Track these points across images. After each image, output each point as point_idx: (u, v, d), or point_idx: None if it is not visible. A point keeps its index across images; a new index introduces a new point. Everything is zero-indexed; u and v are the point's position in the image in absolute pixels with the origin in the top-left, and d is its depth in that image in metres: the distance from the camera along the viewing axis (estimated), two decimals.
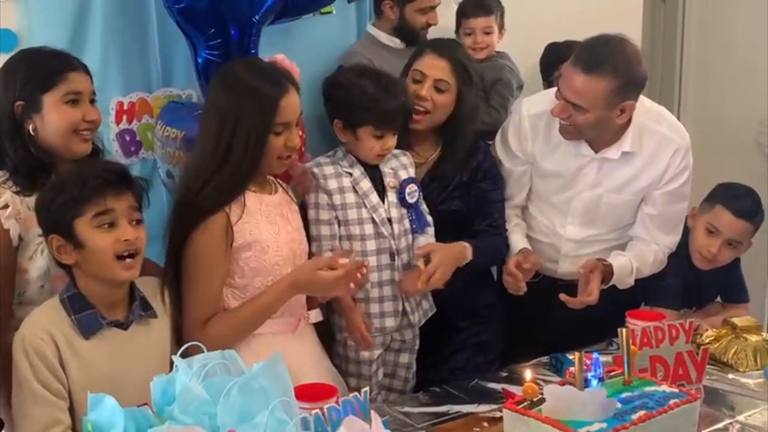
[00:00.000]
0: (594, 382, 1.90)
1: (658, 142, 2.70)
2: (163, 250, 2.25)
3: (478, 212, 2.80)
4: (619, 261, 2.71)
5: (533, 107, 2.80)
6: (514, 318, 2.88)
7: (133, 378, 1.93)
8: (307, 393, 1.73)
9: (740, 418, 2.21)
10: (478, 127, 2.87)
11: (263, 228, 2.29)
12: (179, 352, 1.68)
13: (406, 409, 2.30)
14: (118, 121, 2.98)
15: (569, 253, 2.84)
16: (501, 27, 3.54)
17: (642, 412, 1.81)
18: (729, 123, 4.62)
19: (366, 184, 2.60)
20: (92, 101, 2.25)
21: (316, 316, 2.50)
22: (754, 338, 2.59)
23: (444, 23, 3.39)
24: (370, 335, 2.58)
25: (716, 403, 2.29)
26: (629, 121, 2.65)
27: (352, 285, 2.36)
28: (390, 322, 2.65)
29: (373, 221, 2.59)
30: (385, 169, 2.65)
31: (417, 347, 2.77)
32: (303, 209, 2.57)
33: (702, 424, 1.99)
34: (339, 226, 2.59)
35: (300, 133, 2.45)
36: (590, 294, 2.60)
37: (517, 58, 3.61)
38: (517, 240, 2.81)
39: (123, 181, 1.98)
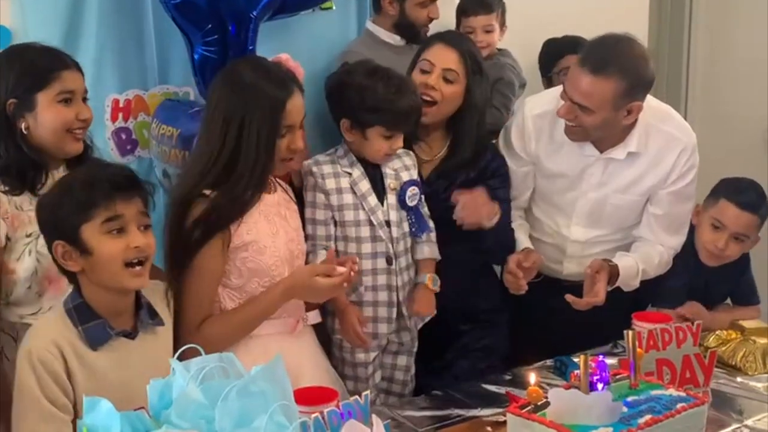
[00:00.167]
0: (599, 386, 1.89)
1: (665, 142, 2.71)
2: (160, 252, 2.23)
3: None
4: (624, 262, 2.72)
5: (537, 107, 2.81)
6: (518, 320, 2.88)
7: (142, 388, 1.90)
8: (307, 397, 1.73)
9: (748, 422, 2.22)
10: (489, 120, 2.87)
11: (261, 228, 2.30)
12: (176, 355, 1.68)
13: (408, 412, 2.30)
14: (113, 119, 2.98)
15: (574, 254, 2.85)
16: (502, 25, 3.53)
17: (649, 417, 1.80)
18: (736, 122, 4.62)
19: (365, 185, 2.60)
20: (84, 99, 2.25)
21: (314, 317, 2.51)
22: (762, 341, 2.60)
23: (444, 21, 3.38)
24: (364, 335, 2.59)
25: (724, 407, 2.29)
26: (635, 121, 2.65)
27: (344, 284, 2.36)
28: (383, 329, 2.66)
29: (370, 224, 2.60)
30: (387, 169, 2.65)
31: (416, 349, 2.78)
32: (301, 206, 2.57)
33: (710, 429, 1.98)
34: (335, 226, 2.60)
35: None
36: (596, 294, 2.60)
37: (519, 55, 3.62)
38: (520, 239, 2.81)
39: (132, 184, 1.95)
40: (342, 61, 2.97)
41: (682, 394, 1.93)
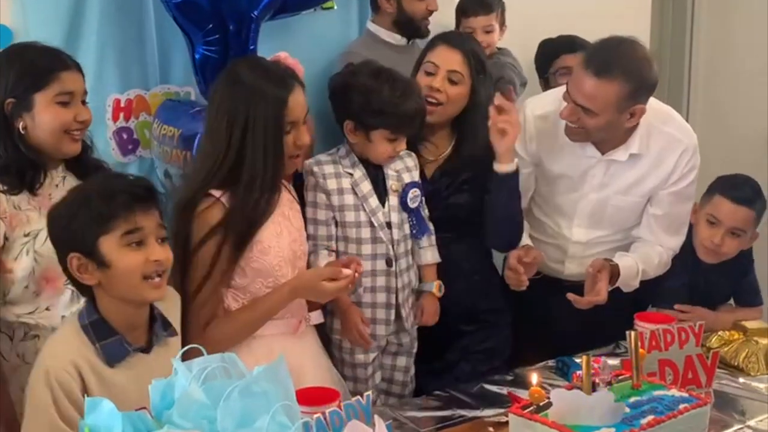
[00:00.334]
0: (602, 386, 1.90)
1: (666, 143, 2.71)
2: None
3: None
4: (625, 262, 2.72)
5: (538, 108, 2.81)
6: (520, 320, 2.88)
7: None
8: (309, 397, 1.73)
9: (751, 423, 2.22)
10: None
11: (266, 228, 2.30)
12: (178, 355, 1.67)
13: (410, 413, 2.30)
14: (114, 119, 2.99)
15: (576, 254, 2.85)
16: (502, 24, 3.53)
17: (651, 417, 1.81)
18: (737, 123, 4.63)
19: (366, 186, 2.60)
20: (84, 101, 2.24)
21: (317, 317, 2.51)
22: (765, 342, 2.61)
23: (444, 21, 3.38)
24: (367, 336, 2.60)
25: (726, 407, 2.29)
26: (638, 123, 2.65)
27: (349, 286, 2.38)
28: (381, 330, 2.66)
29: (371, 225, 2.60)
30: (389, 171, 2.65)
31: (415, 350, 2.78)
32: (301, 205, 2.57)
33: (712, 429, 1.99)
34: (336, 226, 2.60)
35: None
36: (598, 293, 2.60)
37: (519, 54, 3.62)
38: (523, 237, 2.81)
39: (150, 196, 1.93)
40: (343, 62, 2.97)
41: (685, 394, 1.93)
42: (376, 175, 2.64)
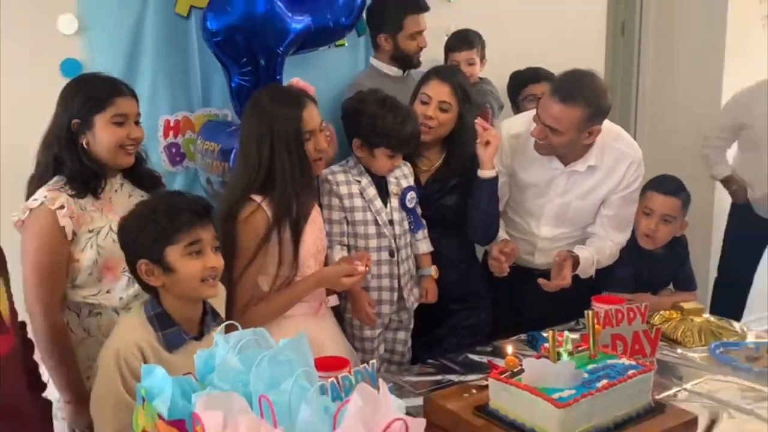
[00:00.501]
0: (565, 356, 1.89)
1: (617, 157, 2.72)
2: None
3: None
4: (583, 254, 2.73)
5: (512, 128, 2.82)
6: (498, 302, 2.88)
7: None
8: (325, 364, 1.73)
9: (687, 386, 2.22)
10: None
11: None
12: (218, 329, 1.68)
13: (408, 378, 2.30)
14: (165, 136, 2.99)
15: (543, 247, 2.86)
16: (482, 58, 3.51)
17: (605, 381, 1.81)
18: (678, 139, 4.63)
19: (372, 191, 2.61)
20: (137, 122, 2.23)
21: (334, 300, 2.53)
22: (698, 320, 2.60)
23: (435, 56, 3.38)
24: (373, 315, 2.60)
25: (667, 373, 2.29)
26: (594, 140, 2.65)
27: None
28: (386, 309, 2.67)
29: (376, 223, 2.60)
30: (390, 178, 2.66)
31: (412, 326, 2.78)
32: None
33: (655, 391, 1.99)
34: (347, 225, 2.60)
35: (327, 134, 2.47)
36: (564, 278, 2.63)
37: (497, 82, 3.61)
38: (501, 233, 2.83)
39: (207, 213, 1.92)
40: (351, 90, 2.96)
41: (633, 362, 1.93)
42: (380, 181, 2.64)
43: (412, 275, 2.73)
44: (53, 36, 2.73)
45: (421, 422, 1.31)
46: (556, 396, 1.72)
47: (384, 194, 2.63)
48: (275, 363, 1.50)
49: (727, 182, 4.29)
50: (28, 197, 2.17)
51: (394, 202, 2.64)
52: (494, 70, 3.58)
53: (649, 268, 2.86)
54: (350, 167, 2.63)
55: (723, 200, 4.47)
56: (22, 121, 2.37)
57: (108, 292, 2.19)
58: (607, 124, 2.68)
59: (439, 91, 2.71)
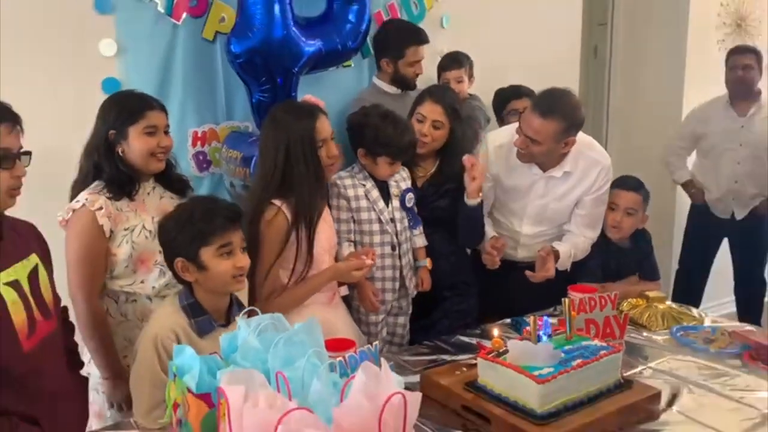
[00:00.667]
0: (544, 338, 1.90)
1: (589, 163, 2.72)
2: None
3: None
4: (563, 248, 2.73)
5: (497, 140, 2.82)
6: (486, 292, 2.87)
7: None
8: (334, 345, 1.73)
9: (651, 364, 2.22)
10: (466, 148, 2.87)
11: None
12: (241, 315, 1.68)
13: (406, 357, 2.30)
14: (194, 145, 2.98)
15: (525, 243, 2.85)
16: (470, 76, 3.49)
17: (579, 360, 1.82)
18: (643, 149, 4.63)
19: (375, 193, 2.60)
20: (166, 132, 2.23)
21: (344, 290, 2.54)
22: (662, 306, 2.60)
23: (429, 74, 3.38)
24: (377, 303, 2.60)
25: (634, 353, 2.29)
26: (570, 149, 2.65)
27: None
28: (389, 297, 2.66)
29: (380, 221, 2.59)
30: (391, 181, 2.65)
31: (410, 312, 2.78)
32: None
33: (624, 369, 1.99)
34: (354, 223, 2.59)
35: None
36: (548, 270, 2.63)
37: (484, 98, 3.60)
38: (489, 231, 2.83)
39: (238, 218, 1.92)
40: (356, 105, 2.95)
41: (604, 344, 1.93)
42: (382, 184, 2.63)
43: (411, 266, 2.73)
44: (95, 58, 2.73)
45: (417, 395, 1.31)
46: (536, 373, 1.73)
47: (386, 196, 2.63)
48: (290, 344, 1.50)
49: (686, 186, 4.29)
50: (71, 199, 2.18)
51: (395, 202, 2.64)
52: (482, 87, 3.57)
53: (616, 260, 2.85)
54: (356, 173, 2.63)
55: (683, 202, 4.47)
56: (69, 132, 2.37)
57: (142, 282, 2.19)
58: (580, 135, 2.67)
59: (432, 111, 2.70)
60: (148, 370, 1.85)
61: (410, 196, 2.68)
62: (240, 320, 1.60)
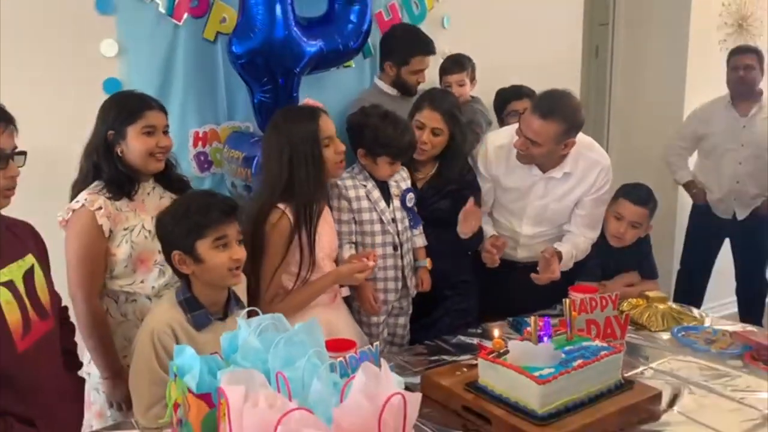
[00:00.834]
0: (545, 339, 1.90)
1: (589, 164, 2.72)
2: None
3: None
4: (565, 249, 2.73)
5: (497, 141, 2.81)
6: (486, 291, 2.87)
7: None
8: (334, 346, 1.73)
9: (652, 365, 2.22)
10: (466, 151, 2.86)
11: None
12: (242, 314, 1.68)
13: (407, 358, 2.30)
14: (195, 146, 2.98)
15: (525, 243, 2.85)
16: (472, 79, 3.47)
17: (580, 360, 1.81)
18: (645, 149, 4.62)
19: (376, 193, 2.60)
20: (165, 132, 2.23)
21: (346, 291, 2.55)
22: (662, 306, 2.59)
23: (431, 77, 3.35)
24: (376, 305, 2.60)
25: (635, 354, 2.29)
26: (569, 150, 2.65)
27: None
28: (391, 297, 2.66)
29: (381, 221, 2.59)
30: (391, 181, 2.65)
31: (410, 312, 2.78)
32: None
33: (625, 369, 1.99)
34: (355, 224, 2.59)
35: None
36: (553, 272, 2.63)
37: (486, 100, 3.59)
38: (489, 230, 2.83)
39: (233, 211, 1.93)
40: (356, 105, 2.94)
41: (605, 344, 1.93)
42: (382, 185, 2.63)
43: (412, 266, 2.73)
44: (96, 58, 2.73)
45: (417, 396, 1.31)
46: (537, 374, 1.73)
47: (387, 196, 2.62)
48: (291, 344, 1.50)
49: (688, 186, 4.29)
50: (71, 199, 2.18)
51: (396, 202, 2.64)
52: (483, 87, 3.57)
53: (615, 260, 2.85)
54: (356, 173, 2.63)
55: (684, 202, 4.47)
56: (70, 132, 2.37)
57: (142, 282, 2.19)
58: (580, 136, 2.67)
59: (431, 119, 2.70)
60: (146, 366, 1.86)
61: (411, 196, 2.67)
62: (240, 320, 1.60)
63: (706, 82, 4.37)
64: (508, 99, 3.48)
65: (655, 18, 4.70)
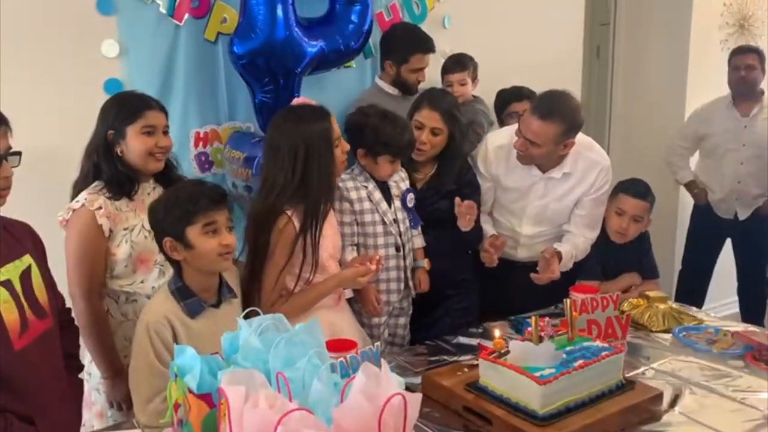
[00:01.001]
0: (546, 339, 1.90)
1: (589, 164, 2.72)
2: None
3: None
4: (565, 249, 2.72)
5: (497, 141, 2.81)
6: (486, 291, 2.87)
7: None
8: (335, 346, 1.73)
9: (653, 365, 2.22)
10: (465, 151, 2.86)
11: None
12: (242, 315, 1.68)
13: (408, 358, 2.30)
14: (196, 146, 2.98)
15: (525, 243, 2.85)
16: (474, 78, 3.47)
17: (581, 361, 1.81)
18: (646, 149, 4.62)
19: (378, 194, 2.59)
20: (165, 132, 2.23)
21: (349, 293, 2.54)
22: (662, 306, 2.59)
23: (432, 76, 3.35)
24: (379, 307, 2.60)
25: (636, 354, 2.29)
26: (569, 151, 2.65)
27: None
28: (393, 297, 2.65)
29: (383, 222, 2.58)
30: (391, 182, 2.65)
31: (411, 312, 2.77)
32: None
33: (626, 369, 1.99)
34: (357, 225, 2.58)
35: None
36: (553, 272, 2.62)
37: (488, 100, 3.59)
38: (488, 229, 2.84)
39: (222, 199, 1.95)
40: (357, 105, 2.95)
41: (606, 345, 1.93)
42: (383, 185, 2.63)
43: (413, 266, 2.73)
44: (98, 58, 2.74)
45: (417, 396, 1.30)
46: (538, 374, 1.73)
47: (387, 197, 2.62)
48: (291, 344, 1.50)
49: (689, 186, 4.29)
50: (71, 199, 2.19)
51: (397, 202, 2.63)
52: (483, 88, 3.57)
53: (615, 259, 2.85)
54: (356, 174, 2.62)
55: (686, 202, 4.47)
56: (71, 133, 2.38)
57: (142, 282, 2.20)
58: (579, 136, 2.67)
59: (430, 119, 2.69)
60: (144, 359, 1.87)
61: (411, 196, 2.67)
62: (241, 320, 1.60)
63: (707, 82, 4.37)
64: (508, 100, 3.47)
65: (656, 18, 4.70)
